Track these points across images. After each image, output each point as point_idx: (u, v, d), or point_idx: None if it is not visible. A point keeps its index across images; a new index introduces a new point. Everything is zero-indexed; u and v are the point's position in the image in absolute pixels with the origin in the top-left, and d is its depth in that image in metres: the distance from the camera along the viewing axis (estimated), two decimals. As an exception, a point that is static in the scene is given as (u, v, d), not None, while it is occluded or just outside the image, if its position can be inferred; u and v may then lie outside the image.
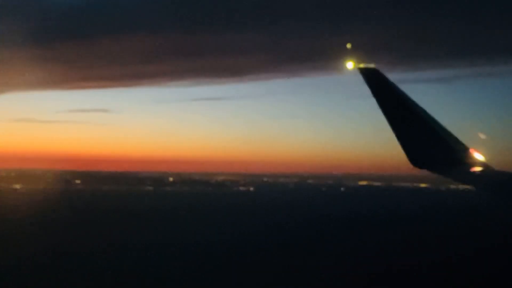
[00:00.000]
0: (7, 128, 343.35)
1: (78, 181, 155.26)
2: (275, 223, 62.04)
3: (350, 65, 9.91)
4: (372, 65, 9.93)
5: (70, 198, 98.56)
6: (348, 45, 9.83)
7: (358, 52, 10.15)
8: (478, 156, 10.02)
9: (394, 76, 10.07)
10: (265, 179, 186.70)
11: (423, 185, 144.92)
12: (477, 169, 9.82)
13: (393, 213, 72.24)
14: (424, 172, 10.26)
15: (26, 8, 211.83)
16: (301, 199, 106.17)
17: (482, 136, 10.65)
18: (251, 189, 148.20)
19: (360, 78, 9.95)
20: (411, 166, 10.04)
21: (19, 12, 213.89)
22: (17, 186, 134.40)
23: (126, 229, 55.77)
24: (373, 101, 9.91)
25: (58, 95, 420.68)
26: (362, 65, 9.94)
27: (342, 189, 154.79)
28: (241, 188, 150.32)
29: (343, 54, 10.17)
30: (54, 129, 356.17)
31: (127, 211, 75.32)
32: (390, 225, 58.92)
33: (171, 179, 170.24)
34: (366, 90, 9.91)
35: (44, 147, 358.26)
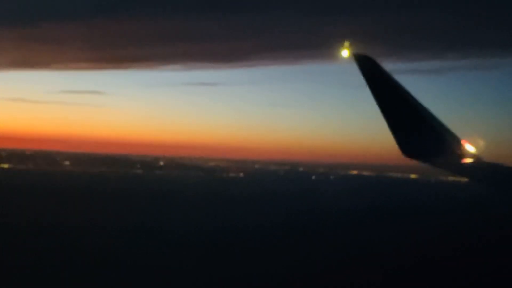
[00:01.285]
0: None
1: (67, 163, 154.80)
2: (251, 210, 61.81)
3: (345, 53, 9.87)
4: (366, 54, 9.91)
5: (52, 179, 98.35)
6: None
7: (352, 41, 10.11)
8: (470, 147, 10.03)
9: (387, 66, 10.04)
10: (256, 166, 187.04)
11: (413, 175, 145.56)
12: (468, 160, 9.82)
13: (376, 204, 71.82)
14: (415, 163, 10.24)
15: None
16: (287, 187, 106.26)
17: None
18: (241, 175, 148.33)
19: (354, 68, 9.91)
20: (402, 156, 10.02)
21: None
22: (5, 166, 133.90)
23: (95, 211, 55.80)
24: (366, 91, 9.87)
25: (50, 76, 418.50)
26: (356, 53, 9.90)
27: (331, 177, 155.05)
28: (231, 174, 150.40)
29: (338, 43, 10.14)
30: (45, 110, 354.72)
31: (107, 193, 75.39)
32: (370, 215, 58.60)
33: (161, 163, 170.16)
34: (359, 80, 9.87)
35: (35, 127, 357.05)
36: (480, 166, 9.79)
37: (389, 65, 10.47)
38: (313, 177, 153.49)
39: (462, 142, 10.04)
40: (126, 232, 44.12)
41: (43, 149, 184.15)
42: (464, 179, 10.18)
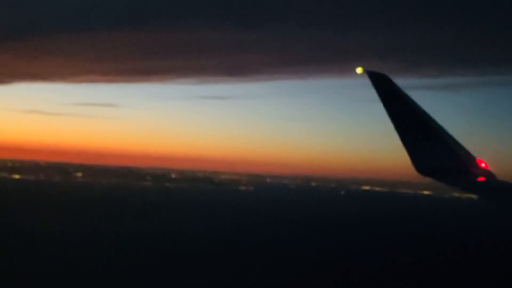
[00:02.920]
0: (13, 118, 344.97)
1: (79, 174, 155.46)
2: (248, 223, 60.92)
3: (358, 70, 9.89)
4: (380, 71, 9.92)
5: (57, 190, 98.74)
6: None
7: (366, 57, 10.13)
8: (484, 165, 9.97)
9: (401, 82, 10.03)
10: (268, 180, 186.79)
11: (426, 192, 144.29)
12: (483, 178, 9.76)
13: (381, 221, 69.67)
14: (429, 180, 10.20)
15: (36, 1, 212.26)
16: (294, 201, 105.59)
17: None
18: (251, 189, 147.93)
19: (367, 82, 9.92)
20: (416, 172, 9.98)
21: (32, 3, 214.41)
22: (17, 177, 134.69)
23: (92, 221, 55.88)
24: (379, 106, 9.87)
25: (64, 88, 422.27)
26: (370, 70, 9.90)
27: (342, 192, 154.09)
28: (241, 188, 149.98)
29: (351, 58, 10.17)
30: (59, 122, 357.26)
31: (108, 205, 75.55)
32: (380, 232, 56.92)
33: (173, 175, 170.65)
34: (372, 94, 9.88)
35: (49, 139, 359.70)
36: (495, 185, 9.72)
37: (403, 81, 10.46)
38: (324, 192, 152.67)
39: (477, 160, 9.98)
40: (127, 241, 44.29)
41: (57, 160, 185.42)
42: (479, 197, 10.11)
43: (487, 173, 9.87)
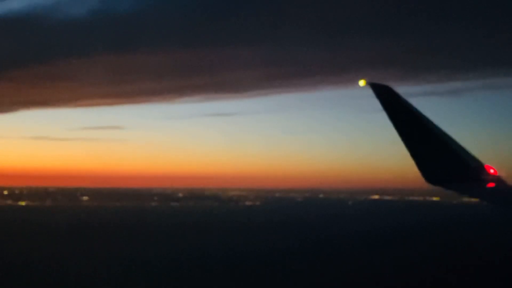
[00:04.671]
0: (20, 145, 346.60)
1: (85, 198, 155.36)
2: (242, 240, 60.16)
3: (361, 83, 9.88)
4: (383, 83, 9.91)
5: (66, 215, 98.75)
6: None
7: (368, 66, 10.12)
8: (493, 171, 9.91)
9: (403, 89, 10.01)
10: (277, 194, 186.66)
11: (435, 198, 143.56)
12: (492, 184, 9.70)
13: (387, 232, 68.35)
14: (438, 188, 10.15)
15: (38, 27, 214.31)
16: (299, 214, 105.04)
17: None
18: (257, 203, 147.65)
19: (371, 92, 9.91)
20: (424, 181, 9.93)
21: (33, 31, 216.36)
22: (23, 203, 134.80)
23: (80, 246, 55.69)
24: (385, 115, 9.86)
25: (71, 113, 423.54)
26: (373, 82, 9.90)
27: (349, 203, 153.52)
28: (247, 203, 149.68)
29: (353, 67, 10.16)
30: (67, 147, 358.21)
31: (104, 227, 75.43)
32: (392, 241, 56.08)
33: (180, 194, 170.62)
34: (377, 104, 9.88)
35: (58, 164, 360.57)
36: (505, 190, 9.66)
37: (405, 88, 10.47)
38: (331, 204, 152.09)
39: (485, 166, 9.92)
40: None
41: (66, 185, 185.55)
42: (490, 204, 10.04)
43: (496, 179, 9.82)
